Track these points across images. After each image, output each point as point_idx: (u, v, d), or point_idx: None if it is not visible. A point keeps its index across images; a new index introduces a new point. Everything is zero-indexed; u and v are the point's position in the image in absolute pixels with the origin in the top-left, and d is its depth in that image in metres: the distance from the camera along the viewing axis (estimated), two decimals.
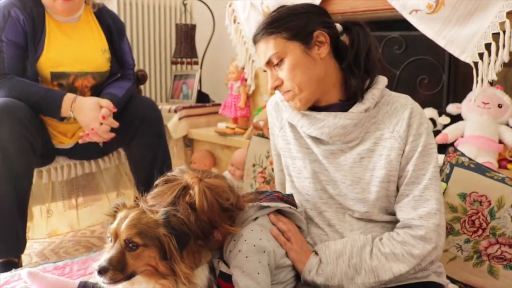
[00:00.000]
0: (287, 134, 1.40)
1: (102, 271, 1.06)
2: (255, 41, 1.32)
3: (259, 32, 1.29)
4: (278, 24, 1.26)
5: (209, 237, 1.19)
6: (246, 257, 1.16)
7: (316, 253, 1.27)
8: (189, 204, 1.13)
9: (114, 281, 1.07)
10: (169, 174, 1.25)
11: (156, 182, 1.23)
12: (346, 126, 1.25)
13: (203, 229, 1.15)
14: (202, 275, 1.17)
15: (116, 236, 1.11)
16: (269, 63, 1.29)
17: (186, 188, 1.15)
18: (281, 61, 1.27)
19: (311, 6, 1.32)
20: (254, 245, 1.18)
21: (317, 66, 1.27)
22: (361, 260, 1.20)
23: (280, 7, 1.30)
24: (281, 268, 1.25)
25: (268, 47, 1.27)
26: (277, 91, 1.35)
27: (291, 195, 1.36)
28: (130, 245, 1.09)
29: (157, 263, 1.09)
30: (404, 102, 1.28)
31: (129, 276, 1.09)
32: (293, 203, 1.33)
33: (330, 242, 1.27)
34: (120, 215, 1.14)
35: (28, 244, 2.02)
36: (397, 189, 1.27)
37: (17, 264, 1.91)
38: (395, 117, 1.26)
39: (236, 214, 1.22)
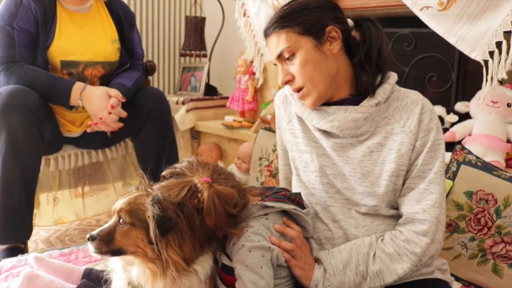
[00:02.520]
0: (295, 128, 1.40)
1: (90, 239, 1.12)
2: (266, 34, 1.31)
3: (271, 26, 1.28)
4: (290, 18, 1.25)
5: (212, 238, 1.20)
6: (249, 251, 1.16)
7: (319, 262, 1.25)
8: (196, 208, 1.12)
9: (99, 251, 1.12)
10: (177, 165, 1.24)
11: (163, 173, 1.23)
12: (356, 119, 1.25)
13: (207, 232, 1.16)
14: (205, 264, 1.18)
15: (114, 212, 1.15)
16: (280, 57, 1.28)
17: (194, 190, 1.13)
18: (292, 55, 1.26)
19: (323, 0, 1.31)
20: (259, 241, 1.18)
21: (329, 62, 1.26)
22: (367, 266, 1.20)
23: (292, 1, 1.29)
24: (283, 266, 1.24)
25: (280, 41, 1.26)
26: (286, 85, 1.35)
27: (298, 194, 1.34)
28: (120, 220, 1.12)
29: (145, 246, 1.11)
30: (415, 98, 1.28)
31: (115, 252, 1.13)
32: (300, 202, 1.32)
33: (334, 250, 1.26)
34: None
35: (34, 231, 2.04)
36: (403, 183, 1.27)
37: (23, 250, 1.92)
38: (405, 113, 1.27)
39: (240, 216, 1.21)
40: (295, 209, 1.26)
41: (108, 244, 1.11)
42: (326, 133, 1.32)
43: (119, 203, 1.13)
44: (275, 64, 1.32)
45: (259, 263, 1.16)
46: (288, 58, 1.27)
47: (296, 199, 1.31)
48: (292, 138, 1.41)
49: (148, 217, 1.09)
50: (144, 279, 1.12)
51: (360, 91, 1.29)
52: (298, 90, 1.29)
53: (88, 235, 1.12)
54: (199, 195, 1.12)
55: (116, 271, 1.20)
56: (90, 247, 1.12)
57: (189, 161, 1.24)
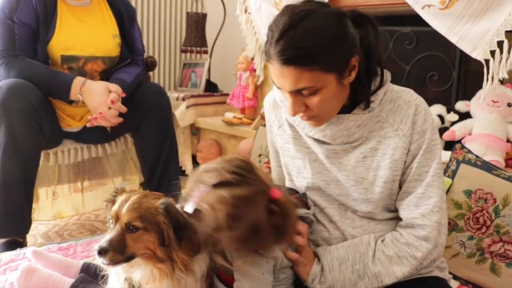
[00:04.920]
0: (285, 133, 1.36)
1: (102, 252, 1.07)
2: (281, 62, 1.09)
3: (288, 57, 1.08)
4: (318, 55, 1.08)
5: None
6: None
7: (318, 259, 1.25)
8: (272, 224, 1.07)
9: (114, 262, 1.08)
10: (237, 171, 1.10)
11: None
12: (349, 127, 1.21)
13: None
14: (202, 262, 1.17)
15: (117, 218, 1.12)
16: (296, 92, 1.13)
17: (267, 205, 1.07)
18: (313, 93, 1.13)
19: (338, 18, 1.12)
20: None
21: (345, 91, 1.19)
22: (364, 266, 1.19)
23: (305, 20, 1.08)
24: (283, 269, 1.23)
25: (302, 79, 1.10)
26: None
27: (305, 195, 1.32)
28: (131, 227, 1.09)
29: (155, 248, 1.10)
30: (408, 98, 1.22)
31: (128, 258, 1.10)
32: (306, 203, 1.31)
33: (332, 247, 1.25)
34: (121, 198, 1.14)
35: (33, 226, 2.04)
36: (399, 186, 1.25)
37: (21, 244, 1.93)
38: (399, 115, 1.21)
39: None
40: (307, 213, 1.27)
41: (122, 252, 1.08)
42: (318, 140, 1.27)
43: (124, 212, 1.10)
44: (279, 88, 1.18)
45: (262, 270, 1.15)
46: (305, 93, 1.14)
47: (304, 200, 1.31)
48: (283, 144, 1.37)
49: (164, 223, 1.09)
50: (151, 279, 1.11)
51: (353, 101, 1.22)
52: (311, 117, 1.21)
53: (97, 248, 1.06)
54: (275, 207, 1.07)
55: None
56: (103, 260, 1.07)
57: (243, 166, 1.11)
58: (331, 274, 1.20)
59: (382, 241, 1.22)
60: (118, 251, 1.08)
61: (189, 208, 1.05)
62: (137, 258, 1.12)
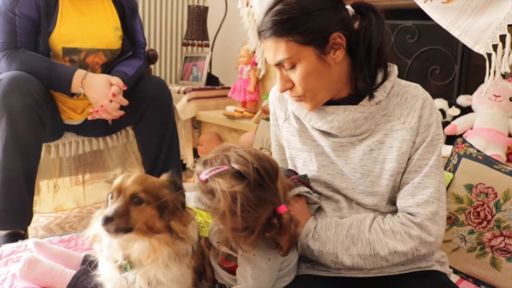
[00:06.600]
0: (292, 126, 1.36)
1: (107, 221, 1.06)
2: (262, 35, 1.21)
3: (266, 29, 1.18)
4: (290, 25, 1.15)
5: None
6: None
7: (315, 219, 1.26)
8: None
9: (117, 231, 1.08)
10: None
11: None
12: (356, 119, 1.22)
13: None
14: (193, 230, 1.20)
15: (119, 191, 1.11)
16: (278, 65, 1.21)
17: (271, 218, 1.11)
18: (293, 66, 1.19)
19: None
20: None
21: (332, 71, 1.20)
22: (359, 231, 1.19)
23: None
24: (285, 274, 1.23)
25: (279, 50, 1.18)
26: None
27: (306, 176, 1.32)
28: (135, 199, 1.10)
29: (154, 222, 1.12)
30: (415, 92, 1.24)
31: (127, 230, 1.10)
32: (308, 184, 1.31)
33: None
34: (123, 175, 1.15)
35: (34, 218, 2.05)
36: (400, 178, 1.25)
37: (23, 236, 1.93)
38: (406, 109, 1.23)
39: None
40: (309, 192, 1.28)
41: (125, 223, 1.08)
42: (325, 132, 1.28)
43: (129, 185, 1.11)
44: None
45: (267, 255, 1.15)
46: (287, 67, 1.20)
47: (306, 182, 1.31)
48: (289, 136, 1.37)
49: (169, 194, 1.14)
50: (152, 250, 1.12)
51: (359, 91, 1.24)
52: (298, 96, 1.25)
53: (103, 217, 1.06)
54: (275, 221, 1.10)
55: (103, 251, 1.18)
56: (107, 228, 1.06)
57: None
58: (326, 232, 1.21)
59: (382, 219, 1.22)
60: (122, 222, 1.08)
61: (204, 175, 1.10)
62: (132, 233, 1.11)
